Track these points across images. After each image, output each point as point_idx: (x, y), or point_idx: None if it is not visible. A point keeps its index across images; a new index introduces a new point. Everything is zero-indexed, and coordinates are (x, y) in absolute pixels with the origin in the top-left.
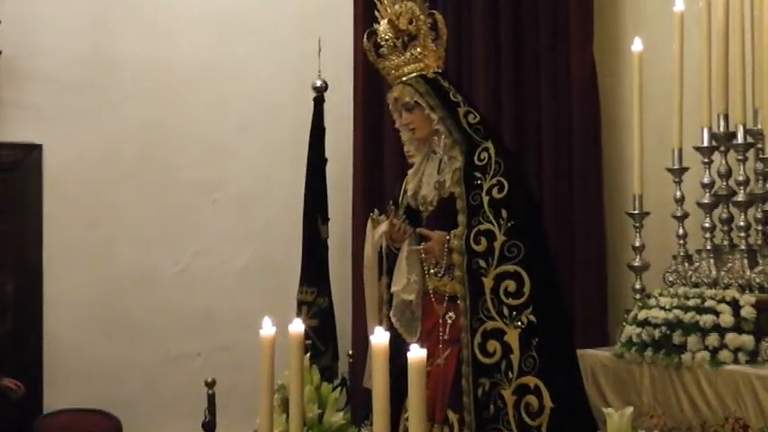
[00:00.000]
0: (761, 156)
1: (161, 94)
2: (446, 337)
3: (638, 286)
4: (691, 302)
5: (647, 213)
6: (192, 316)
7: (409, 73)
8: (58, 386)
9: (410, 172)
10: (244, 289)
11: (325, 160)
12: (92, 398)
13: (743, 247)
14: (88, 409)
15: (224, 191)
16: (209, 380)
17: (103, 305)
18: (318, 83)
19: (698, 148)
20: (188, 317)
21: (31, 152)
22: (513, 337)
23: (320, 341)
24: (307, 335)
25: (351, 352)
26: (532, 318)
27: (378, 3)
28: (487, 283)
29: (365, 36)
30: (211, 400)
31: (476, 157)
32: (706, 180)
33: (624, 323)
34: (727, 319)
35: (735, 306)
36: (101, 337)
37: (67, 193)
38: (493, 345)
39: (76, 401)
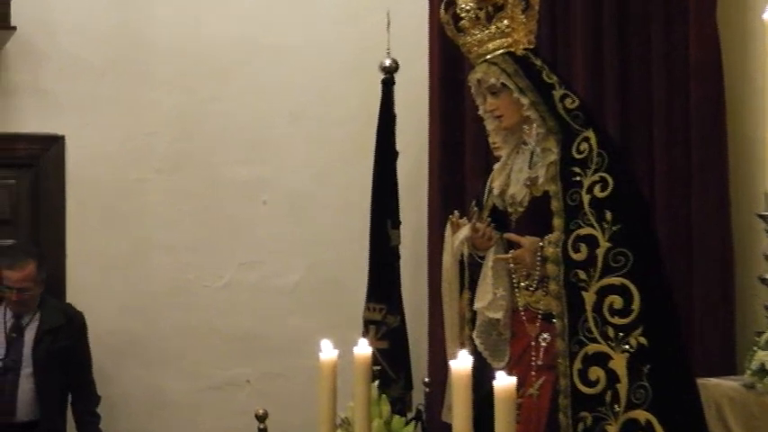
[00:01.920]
0: None
1: (199, 78)
2: (540, 362)
3: None
4: None
5: None
6: (238, 338)
7: (494, 50)
8: None
9: (496, 167)
10: (299, 306)
11: (396, 153)
12: (127, 431)
13: None
14: None
15: (273, 191)
16: (260, 412)
17: (134, 326)
18: (387, 62)
19: None
20: (233, 339)
21: (52, 145)
22: (619, 364)
23: (391, 367)
24: (375, 360)
25: (427, 380)
26: (643, 340)
27: None
28: (589, 298)
29: (442, 7)
30: None
31: (574, 149)
32: None
33: (755, 347)
34: None
35: None
36: (131, 363)
37: (92, 193)
38: (596, 372)
39: None
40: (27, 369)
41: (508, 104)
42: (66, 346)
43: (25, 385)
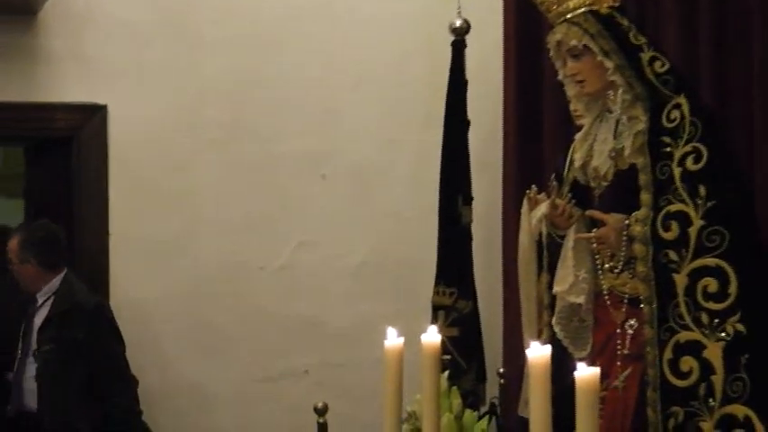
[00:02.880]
0: None
1: (254, 41)
2: (626, 351)
3: None
4: None
5: None
6: (296, 325)
7: (576, 8)
8: None
9: (578, 137)
10: (362, 290)
11: (467, 123)
12: (175, 427)
13: None
14: None
15: (334, 165)
16: (320, 405)
17: (183, 312)
18: (458, 23)
19: None
20: (290, 326)
21: (94, 115)
22: (714, 353)
23: (462, 356)
24: (445, 348)
25: (502, 371)
26: (740, 327)
27: None
28: (680, 281)
29: None
30: (323, 431)
31: (664, 117)
32: None
33: None
34: None
35: None
36: (180, 354)
37: (137, 169)
38: (688, 362)
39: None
40: (31, 357)
41: (591, 68)
42: (70, 337)
43: (28, 373)
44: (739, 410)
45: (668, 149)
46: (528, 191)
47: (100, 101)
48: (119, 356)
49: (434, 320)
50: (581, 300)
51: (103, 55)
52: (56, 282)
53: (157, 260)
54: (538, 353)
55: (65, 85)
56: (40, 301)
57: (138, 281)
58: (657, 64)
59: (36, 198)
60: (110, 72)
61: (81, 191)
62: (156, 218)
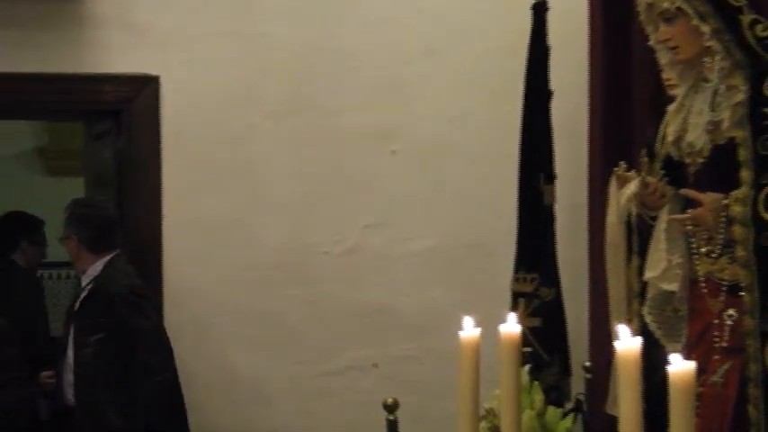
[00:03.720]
0: None
1: (316, 8)
2: (724, 344)
3: None
4: None
5: None
6: (363, 314)
7: None
8: (187, 408)
9: (671, 108)
10: (435, 276)
11: (550, 93)
12: (231, 424)
13: None
14: None
15: (404, 140)
16: (389, 401)
17: (240, 299)
18: None
19: None
20: (357, 315)
21: (145, 87)
22: None
23: (544, 348)
24: (525, 340)
25: (588, 364)
26: None
27: None
28: None
29: None
30: (392, 428)
31: (766, 87)
32: None
33: None
34: None
35: None
36: (237, 344)
37: (192, 144)
38: None
39: (212, 429)
40: (70, 346)
41: (685, 33)
42: (90, 323)
43: (68, 364)
44: None
45: None
46: (616, 168)
47: (152, 71)
48: (144, 348)
49: (514, 309)
50: (674, 287)
51: (155, 22)
52: (99, 265)
53: (213, 243)
54: (627, 345)
55: (114, 55)
56: (83, 285)
57: (193, 265)
58: (759, 27)
59: (92, 177)
60: (162, 41)
61: (132, 168)
62: (212, 197)
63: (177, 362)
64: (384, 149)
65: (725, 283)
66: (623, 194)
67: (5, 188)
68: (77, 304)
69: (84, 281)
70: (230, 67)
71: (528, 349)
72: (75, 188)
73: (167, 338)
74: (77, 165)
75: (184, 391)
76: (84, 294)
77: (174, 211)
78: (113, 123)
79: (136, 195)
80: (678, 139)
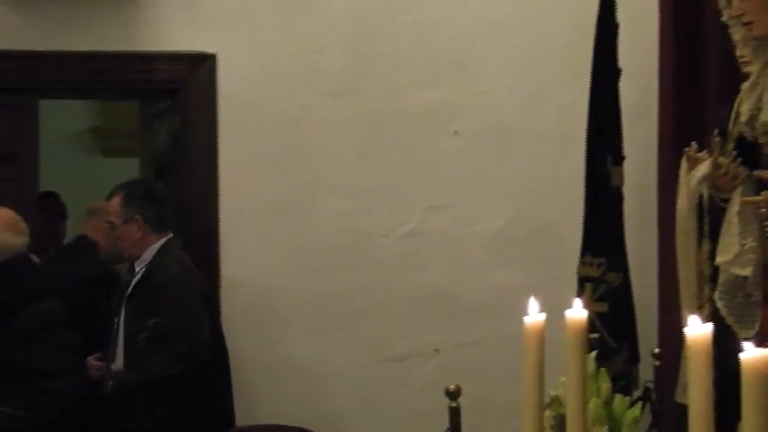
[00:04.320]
0: None
1: None
2: None
3: None
4: None
5: None
6: (425, 299)
7: None
8: (244, 397)
9: (744, 87)
10: (500, 260)
11: (618, 72)
12: (290, 411)
13: None
14: (286, 427)
15: (468, 120)
16: (452, 388)
17: (298, 284)
18: None
19: None
20: (419, 300)
21: (202, 65)
22: None
23: (612, 335)
24: (592, 326)
25: (657, 351)
26: None
27: None
28: None
29: None
30: (455, 416)
31: None
32: None
33: None
34: None
35: None
36: (295, 330)
37: (249, 124)
38: None
39: (269, 416)
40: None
41: (760, 8)
42: (144, 308)
43: (118, 354)
44: None
45: None
46: (687, 148)
47: (208, 49)
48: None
49: (580, 294)
50: (747, 272)
51: None
52: (155, 247)
53: (271, 224)
54: (698, 332)
55: (170, 33)
56: (136, 270)
57: (250, 247)
58: None
59: (147, 157)
60: (219, 18)
61: (188, 148)
62: (270, 178)
63: (234, 346)
64: (447, 129)
65: None
66: (694, 176)
67: (60, 169)
68: (129, 289)
69: (138, 266)
70: (288, 44)
71: (595, 335)
72: (129, 169)
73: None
74: (133, 145)
75: (241, 375)
76: (137, 279)
77: (231, 191)
78: (169, 102)
79: (192, 175)
80: (752, 119)
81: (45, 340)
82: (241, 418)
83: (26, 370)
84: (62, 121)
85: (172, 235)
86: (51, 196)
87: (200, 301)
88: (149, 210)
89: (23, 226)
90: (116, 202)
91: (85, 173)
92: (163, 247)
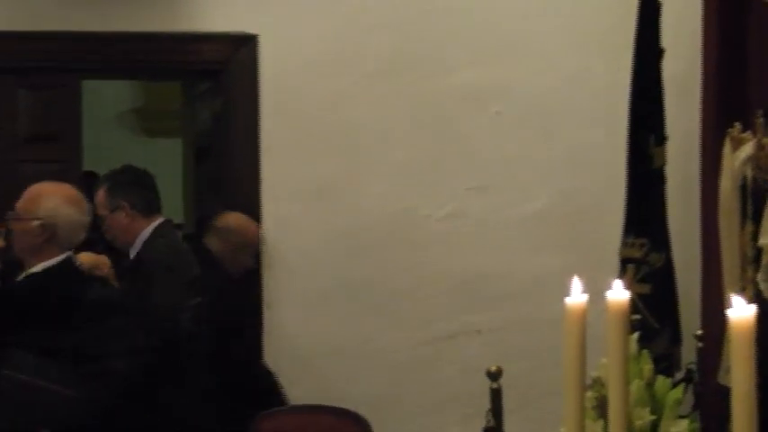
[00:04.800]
0: None
1: None
2: None
3: None
4: None
5: None
6: (466, 280)
7: None
8: (283, 377)
9: None
10: (541, 241)
11: (661, 52)
12: (328, 393)
13: None
14: (324, 408)
15: (509, 100)
16: (493, 369)
17: (340, 266)
18: None
19: None
20: (460, 281)
21: (244, 46)
22: None
23: (654, 316)
24: (634, 307)
25: (699, 333)
26: None
27: None
28: None
29: None
30: (496, 397)
31: None
32: None
33: None
34: None
35: None
36: (337, 311)
37: (292, 105)
38: None
39: (308, 397)
40: None
41: None
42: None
43: None
44: None
45: None
46: (730, 129)
47: (250, 30)
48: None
49: (622, 275)
50: None
51: None
52: (147, 231)
53: (312, 206)
54: (741, 313)
55: (212, 14)
56: (131, 257)
57: (292, 229)
58: None
59: (189, 138)
60: None
61: (230, 129)
62: (312, 159)
63: (274, 330)
64: (489, 110)
65: None
66: (738, 157)
67: (103, 149)
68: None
69: (133, 252)
70: (331, 24)
71: (637, 317)
72: (172, 149)
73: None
74: (175, 125)
75: (282, 356)
76: (131, 265)
77: (273, 173)
78: (211, 83)
79: (234, 157)
80: None
81: (104, 324)
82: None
83: (83, 353)
84: (105, 101)
85: (163, 219)
86: (90, 176)
87: (184, 286)
88: (135, 195)
89: (86, 205)
90: (101, 194)
91: (128, 153)
92: (155, 230)
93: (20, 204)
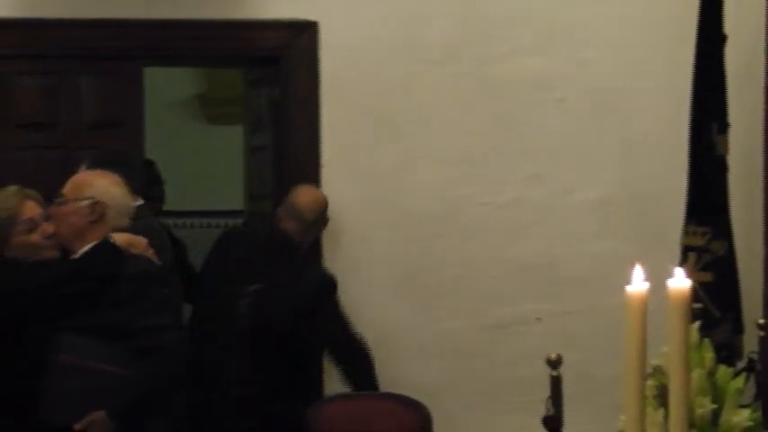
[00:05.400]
0: None
1: None
2: None
3: None
4: None
5: None
6: (527, 267)
7: None
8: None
9: None
10: (602, 229)
11: (724, 38)
12: (385, 379)
13: None
14: (383, 394)
15: (571, 87)
16: (553, 357)
17: (398, 253)
18: None
19: None
20: (520, 269)
21: (303, 33)
22: None
23: (715, 305)
24: (696, 295)
25: (762, 321)
26: None
27: None
28: None
29: None
30: (556, 385)
31: None
32: None
33: None
34: None
35: None
36: (396, 298)
37: (351, 92)
38: None
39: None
40: None
41: None
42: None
43: None
44: None
45: None
46: None
47: (310, 17)
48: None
49: (684, 263)
50: None
51: None
52: None
53: (371, 193)
54: None
55: (272, 1)
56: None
57: (351, 216)
58: None
59: (250, 125)
60: None
61: (289, 116)
62: (372, 145)
63: None
64: (550, 97)
65: None
66: None
67: (165, 136)
68: None
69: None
70: (391, 11)
71: (698, 305)
72: (233, 136)
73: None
74: (236, 112)
75: None
76: None
77: (333, 160)
78: (271, 70)
79: (294, 144)
80: None
81: (146, 298)
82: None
83: (129, 329)
84: (166, 88)
85: (142, 201)
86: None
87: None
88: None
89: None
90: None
91: (190, 140)
92: (137, 210)
93: (67, 189)
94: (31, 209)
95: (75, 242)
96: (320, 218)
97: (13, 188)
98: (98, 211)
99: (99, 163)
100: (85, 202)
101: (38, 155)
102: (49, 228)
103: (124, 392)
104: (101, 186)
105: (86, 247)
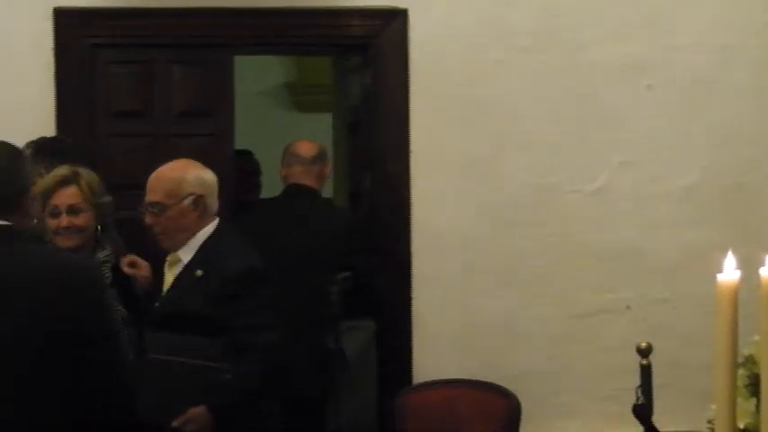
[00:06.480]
0: None
1: None
2: None
3: None
4: None
5: None
6: (616, 255)
7: None
8: (429, 351)
9: None
10: (692, 216)
11: None
12: (474, 368)
13: None
14: (471, 382)
15: (661, 74)
16: (643, 345)
17: (487, 240)
18: None
19: None
20: (609, 256)
21: (393, 20)
22: None
23: None
24: None
25: None
26: None
27: None
28: None
29: None
30: (646, 373)
31: None
32: None
33: None
34: None
35: None
36: (483, 285)
37: (441, 79)
38: None
39: (453, 372)
40: None
41: None
42: None
43: None
44: None
45: None
46: None
47: (400, 4)
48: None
49: None
50: None
51: None
52: None
53: (460, 179)
54: None
55: None
56: None
57: (440, 202)
58: None
59: (340, 112)
60: None
61: (379, 103)
62: (460, 133)
63: (420, 303)
64: (639, 84)
65: None
66: None
67: (255, 124)
68: None
69: None
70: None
71: None
72: (323, 124)
73: None
74: (326, 100)
75: (426, 329)
76: None
77: (422, 147)
78: (361, 58)
79: (384, 131)
80: None
81: (249, 297)
82: (426, 374)
83: (231, 326)
84: (256, 76)
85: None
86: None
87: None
88: (53, 166)
89: None
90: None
91: (280, 128)
92: None
93: (157, 196)
94: (62, 197)
95: (183, 235)
96: None
97: (64, 168)
98: (201, 204)
99: (42, 150)
100: (187, 202)
101: (129, 143)
102: (64, 221)
103: (220, 388)
104: (192, 177)
105: (198, 238)
